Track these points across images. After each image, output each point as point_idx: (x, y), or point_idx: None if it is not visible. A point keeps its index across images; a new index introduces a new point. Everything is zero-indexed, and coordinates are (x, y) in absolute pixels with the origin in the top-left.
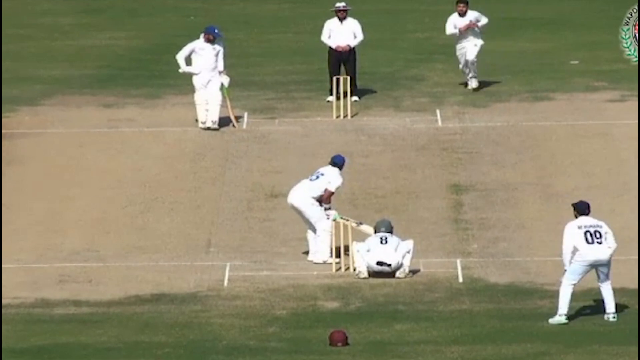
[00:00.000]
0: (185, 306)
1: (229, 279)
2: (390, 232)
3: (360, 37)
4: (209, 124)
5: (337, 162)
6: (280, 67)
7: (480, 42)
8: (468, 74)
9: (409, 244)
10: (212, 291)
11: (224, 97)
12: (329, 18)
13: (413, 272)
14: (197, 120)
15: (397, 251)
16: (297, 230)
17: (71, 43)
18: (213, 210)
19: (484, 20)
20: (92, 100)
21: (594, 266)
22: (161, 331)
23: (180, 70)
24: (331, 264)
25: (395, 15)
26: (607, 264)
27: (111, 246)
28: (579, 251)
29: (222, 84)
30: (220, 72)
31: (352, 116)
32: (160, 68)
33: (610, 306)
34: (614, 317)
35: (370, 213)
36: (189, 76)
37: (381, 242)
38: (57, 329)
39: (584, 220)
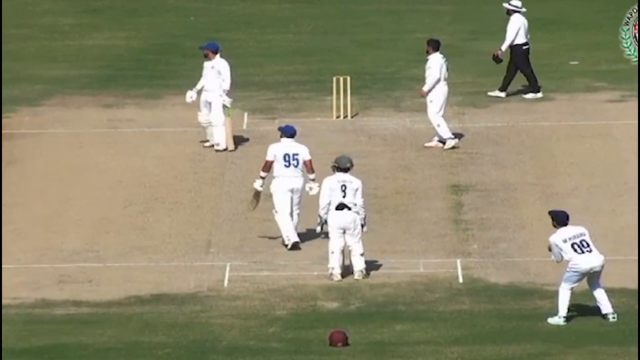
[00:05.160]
0: (185, 306)
1: (229, 279)
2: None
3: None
4: (211, 143)
5: (286, 132)
6: (280, 67)
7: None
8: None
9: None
10: (212, 291)
11: (226, 119)
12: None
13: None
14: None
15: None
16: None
17: (71, 43)
18: (213, 210)
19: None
20: (92, 101)
21: (589, 274)
22: (161, 331)
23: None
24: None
25: (395, 15)
26: (600, 270)
27: (111, 246)
28: (572, 261)
29: (224, 106)
30: (220, 94)
31: (352, 116)
32: (160, 68)
33: (607, 307)
34: (613, 317)
35: (370, 213)
36: (188, 76)
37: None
38: (57, 330)
39: (565, 232)
